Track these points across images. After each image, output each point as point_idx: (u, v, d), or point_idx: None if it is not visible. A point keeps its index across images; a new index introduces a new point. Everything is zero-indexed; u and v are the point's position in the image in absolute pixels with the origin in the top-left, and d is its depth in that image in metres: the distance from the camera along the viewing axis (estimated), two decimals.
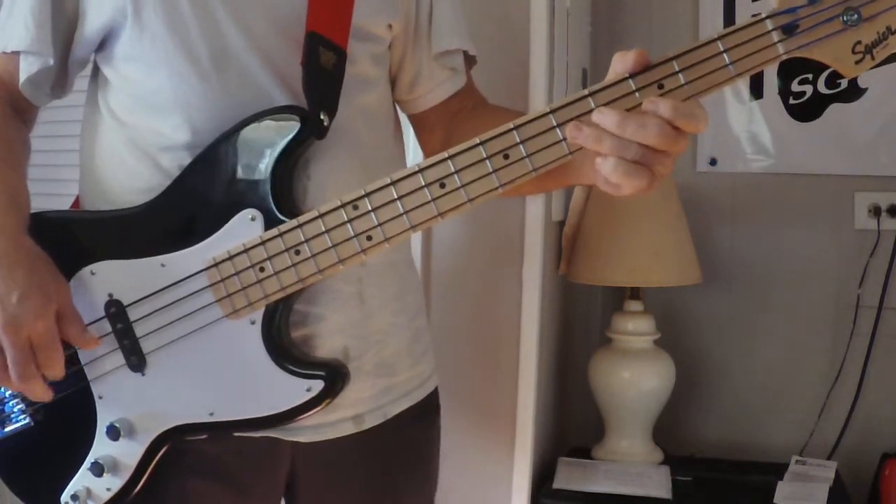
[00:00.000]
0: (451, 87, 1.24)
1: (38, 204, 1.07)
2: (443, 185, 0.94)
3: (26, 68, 1.09)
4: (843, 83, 2.06)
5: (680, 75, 0.88)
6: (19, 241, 1.00)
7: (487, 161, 0.92)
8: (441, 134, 1.24)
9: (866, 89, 2.06)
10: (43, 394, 1.00)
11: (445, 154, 0.94)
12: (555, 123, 0.91)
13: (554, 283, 1.96)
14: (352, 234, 0.97)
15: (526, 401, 1.69)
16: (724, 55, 0.88)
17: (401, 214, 0.96)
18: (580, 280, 1.99)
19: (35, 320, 0.96)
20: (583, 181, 1.00)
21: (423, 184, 0.95)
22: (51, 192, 1.17)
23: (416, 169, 0.95)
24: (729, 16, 2.12)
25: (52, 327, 0.98)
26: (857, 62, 0.89)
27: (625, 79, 0.89)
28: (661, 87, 0.89)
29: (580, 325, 2.26)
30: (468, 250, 1.72)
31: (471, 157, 0.93)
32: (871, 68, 0.90)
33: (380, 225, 0.96)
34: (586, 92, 0.90)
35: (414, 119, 1.28)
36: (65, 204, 1.13)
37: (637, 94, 0.89)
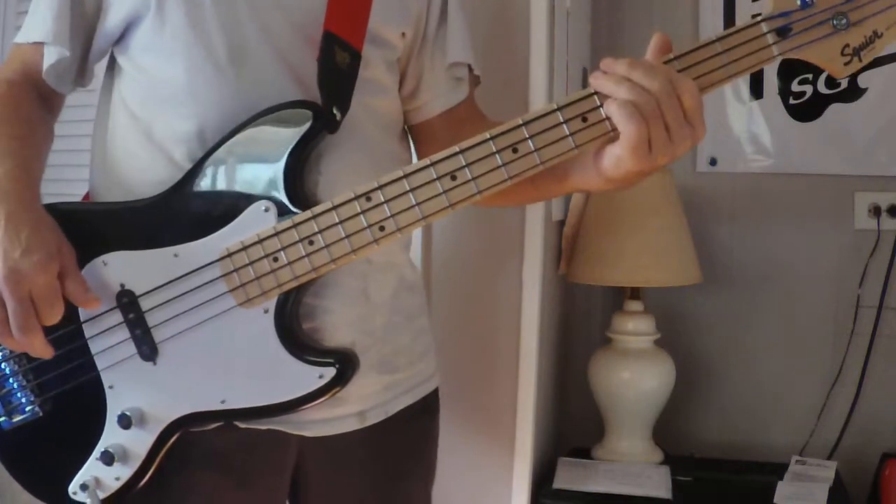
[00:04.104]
0: (455, 97, 1.26)
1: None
2: (454, 178, 0.98)
3: (47, 58, 1.12)
4: (843, 83, 2.06)
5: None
6: (29, 206, 1.02)
7: (497, 155, 0.97)
8: (442, 146, 1.25)
9: (866, 89, 2.06)
10: (43, 349, 1.01)
11: (456, 148, 0.98)
12: (562, 120, 0.96)
13: (554, 283, 1.96)
14: (365, 224, 1.00)
15: (526, 401, 1.69)
16: (723, 56, 0.93)
17: (413, 206, 0.99)
18: (580, 280, 1.99)
19: (36, 273, 0.98)
20: (583, 185, 1.04)
21: (435, 176, 0.98)
22: (53, 192, 1.17)
23: (428, 163, 0.98)
24: (729, 16, 2.12)
25: (53, 281, 0.99)
26: (845, 64, 0.94)
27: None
28: None
29: (580, 325, 2.26)
30: (468, 250, 1.72)
31: (481, 151, 0.97)
32: (859, 70, 0.96)
33: (392, 216, 1.00)
34: (592, 90, 0.95)
35: (415, 130, 1.28)
36: (67, 198, 1.14)
37: None
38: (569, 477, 1.85)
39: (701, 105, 0.93)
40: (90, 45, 1.14)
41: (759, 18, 0.93)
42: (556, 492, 1.81)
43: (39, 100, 1.15)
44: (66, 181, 1.43)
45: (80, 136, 1.37)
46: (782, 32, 0.92)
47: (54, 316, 1.00)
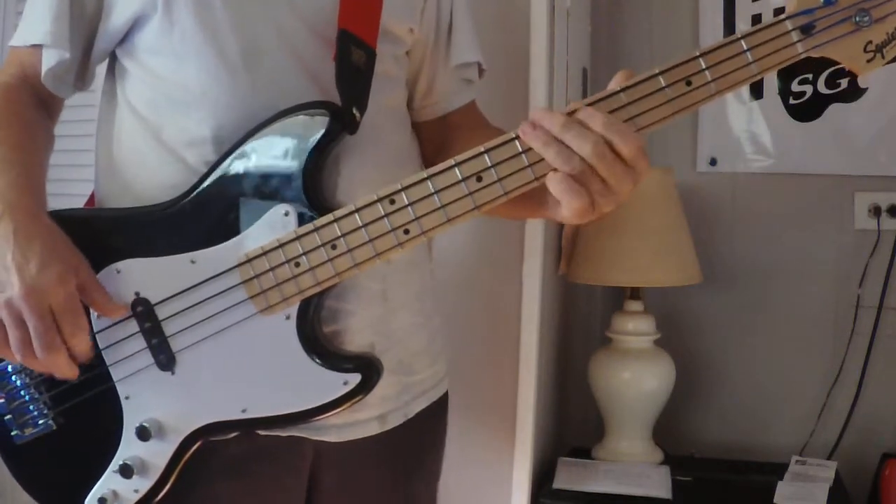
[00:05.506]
0: (465, 97, 1.26)
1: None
2: (479, 179, 0.95)
3: (46, 61, 1.09)
4: (843, 83, 2.06)
5: (707, 72, 0.92)
6: (37, 217, 1.00)
7: (524, 155, 0.94)
8: (436, 145, 1.25)
9: (866, 89, 2.05)
10: (68, 369, 0.98)
11: (482, 148, 0.95)
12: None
13: (554, 283, 1.96)
14: (389, 228, 0.98)
15: (526, 401, 1.69)
16: (748, 54, 0.93)
17: (439, 208, 0.96)
18: (580, 280, 1.99)
19: (56, 287, 0.95)
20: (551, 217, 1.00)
21: (460, 178, 0.96)
22: (53, 193, 1.17)
23: (453, 163, 0.96)
24: (729, 15, 2.12)
25: (73, 294, 0.97)
26: (868, 61, 0.94)
27: (654, 75, 0.92)
28: (689, 83, 0.93)
29: (580, 325, 2.26)
30: (468, 250, 1.72)
31: (507, 152, 0.95)
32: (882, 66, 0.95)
33: (417, 219, 0.97)
34: (618, 89, 0.93)
35: (416, 127, 1.27)
36: (65, 203, 1.13)
37: (667, 89, 0.92)
38: (569, 477, 1.85)
39: (641, 148, 0.90)
40: (91, 47, 1.11)
41: (783, 16, 0.93)
42: (556, 492, 1.81)
43: (39, 104, 1.13)
44: (66, 181, 1.43)
45: (80, 136, 1.37)
46: (806, 30, 0.92)
47: (80, 332, 0.97)
